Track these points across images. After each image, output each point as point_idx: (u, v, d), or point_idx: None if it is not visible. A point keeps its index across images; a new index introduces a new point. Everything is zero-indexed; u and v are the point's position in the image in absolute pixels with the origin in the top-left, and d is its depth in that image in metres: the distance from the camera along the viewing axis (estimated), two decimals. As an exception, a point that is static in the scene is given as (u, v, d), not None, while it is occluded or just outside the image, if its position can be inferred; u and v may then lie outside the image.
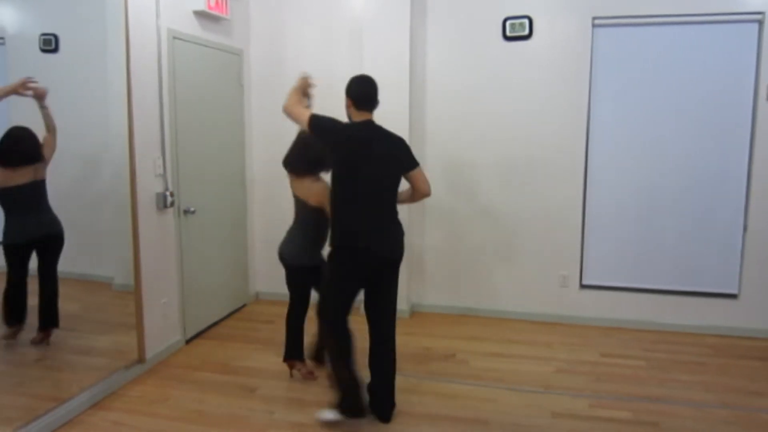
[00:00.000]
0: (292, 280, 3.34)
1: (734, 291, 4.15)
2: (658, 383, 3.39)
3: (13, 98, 2.81)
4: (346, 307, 2.85)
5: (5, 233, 2.81)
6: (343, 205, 2.81)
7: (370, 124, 2.84)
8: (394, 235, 2.90)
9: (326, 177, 3.11)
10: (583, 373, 3.53)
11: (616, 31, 4.12)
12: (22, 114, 2.85)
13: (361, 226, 2.80)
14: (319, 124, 2.79)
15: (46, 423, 2.78)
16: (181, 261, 3.87)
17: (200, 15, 3.96)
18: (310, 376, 3.40)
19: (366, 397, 2.90)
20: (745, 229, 4.08)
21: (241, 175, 4.68)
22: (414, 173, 2.90)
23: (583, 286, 4.41)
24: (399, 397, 3.11)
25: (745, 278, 4.11)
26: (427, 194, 2.99)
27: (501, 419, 2.97)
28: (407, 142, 2.96)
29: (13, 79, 2.82)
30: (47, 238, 3.05)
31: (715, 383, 3.40)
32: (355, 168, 2.78)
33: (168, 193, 3.63)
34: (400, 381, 3.31)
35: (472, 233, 4.51)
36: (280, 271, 3.32)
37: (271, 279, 4.85)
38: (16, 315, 2.95)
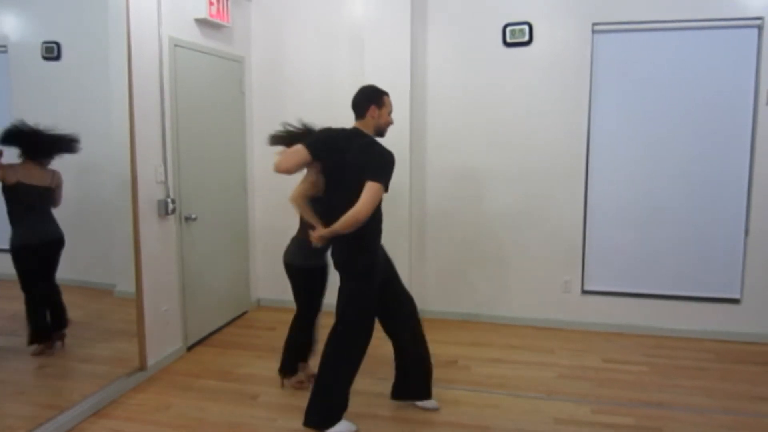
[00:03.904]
0: None
1: (736, 296, 4.15)
2: (660, 388, 3.38)
3: (16, 100, 2.82)
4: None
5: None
6: None
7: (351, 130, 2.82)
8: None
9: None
10: (586, 379, 3.52)
11: (616, 37, 4.13)
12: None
13: None
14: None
15: (47, 431, 2.77)
16: (182, 268, 3.86)
17: (201, 22, 3.98)
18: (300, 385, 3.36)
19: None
20: (746, 233, 4.08)
21: (243, 181, 4.68)
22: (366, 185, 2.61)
23: (584, 292, 4.40)
24: (401, 404, 3.11)
25: (747, 283, 4.10)
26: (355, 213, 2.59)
27: (503, 425, 2.96)
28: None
29: (16, 86, 2.83)
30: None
31: (717, 388, 3.39)
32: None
33: (169, 200, 3.64)
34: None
35: (474, 239, 4.50)
36: (282, 278, 3.30)
37: (272, 286, 4.85)
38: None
